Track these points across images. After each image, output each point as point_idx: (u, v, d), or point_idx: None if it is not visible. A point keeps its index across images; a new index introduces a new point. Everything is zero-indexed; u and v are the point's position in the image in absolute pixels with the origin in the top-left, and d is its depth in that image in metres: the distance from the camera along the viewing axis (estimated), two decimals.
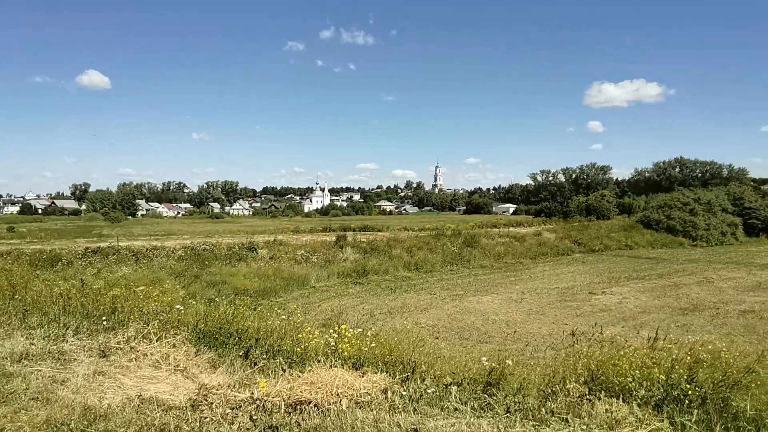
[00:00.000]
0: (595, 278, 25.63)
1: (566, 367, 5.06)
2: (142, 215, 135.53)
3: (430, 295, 21.69)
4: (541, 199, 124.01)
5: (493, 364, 5.01)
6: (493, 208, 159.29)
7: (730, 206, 49.59)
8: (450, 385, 5.03)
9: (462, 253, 31.52)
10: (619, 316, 17.60)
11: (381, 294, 21.98)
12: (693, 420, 3.73)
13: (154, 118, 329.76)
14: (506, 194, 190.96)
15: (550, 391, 4.40)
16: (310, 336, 6.20)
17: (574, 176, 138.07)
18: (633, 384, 4.30)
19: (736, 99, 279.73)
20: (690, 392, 4.11)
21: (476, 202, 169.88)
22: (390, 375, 5.26)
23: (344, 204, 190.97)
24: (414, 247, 30.87)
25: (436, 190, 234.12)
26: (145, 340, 5.85)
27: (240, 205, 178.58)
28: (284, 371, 5.10)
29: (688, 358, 4.78)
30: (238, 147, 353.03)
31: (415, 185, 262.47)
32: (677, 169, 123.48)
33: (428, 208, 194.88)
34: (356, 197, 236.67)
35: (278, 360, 5.55)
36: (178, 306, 7.26)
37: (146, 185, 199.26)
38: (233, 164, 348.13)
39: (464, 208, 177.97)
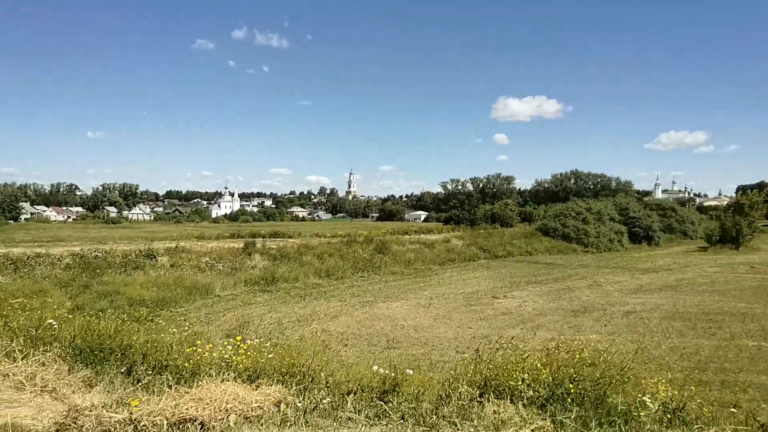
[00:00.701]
0: (498, 283, 26.82)
1: (463, 371, 5.15)
2: (26, 219, 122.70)
3: (341, 302, 21.55)
4: (451, 206, 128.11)
5: (391, 372, 4.97)
6: (406, 215, 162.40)
7: (617, 216, 54.17)
8: (347, 394, 4.93)
9: (373, 259, 31.72)
10: (518, 319, 18.50)
11: (290, 302, 21.50)
12: (572, 417, 3.92)
13: (42, 114, 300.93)
14: (418, 202, 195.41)
15: (444, 395, 4.44)
16: (203, 349, 5.82)
17: (481, 185, 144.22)
18: (522, 386, 4.46)
19: (625, 118, 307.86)
20: (572, 391, 4.34)
21: (389, 209, 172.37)
22: (287, 386, 5.05)
23: (255, 210, 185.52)
24: (325, 253, 30.61)
25: (350, 197, 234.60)
26: (7, 359, 5.18)
27: (140, 209, 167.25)
28: (170, 388, 4.72)
29: (577, 356, 5.05)
30: (139, 148, 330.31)
31: (328, 191, 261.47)
32: (573, 181, 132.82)
33: (341, 214, 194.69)
34: (268, 203, 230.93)
35: (165, 376, 5.14)
36: (51, 320, 6.52)
37: (32, 186, 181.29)
38: (134, 166, 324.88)
39: (377, 214, 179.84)
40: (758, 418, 4.17)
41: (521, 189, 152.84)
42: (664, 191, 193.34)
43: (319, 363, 5.57)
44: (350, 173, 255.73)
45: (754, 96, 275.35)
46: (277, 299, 22.11)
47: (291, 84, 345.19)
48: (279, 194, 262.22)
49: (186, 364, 5.48)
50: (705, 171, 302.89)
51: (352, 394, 4.91)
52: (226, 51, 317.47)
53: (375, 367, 5.44)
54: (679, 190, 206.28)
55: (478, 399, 4.22)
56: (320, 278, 26.94)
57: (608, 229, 50.68)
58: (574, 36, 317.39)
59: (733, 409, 4.69)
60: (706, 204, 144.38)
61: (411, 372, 5.09)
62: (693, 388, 5.19)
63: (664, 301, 21.55)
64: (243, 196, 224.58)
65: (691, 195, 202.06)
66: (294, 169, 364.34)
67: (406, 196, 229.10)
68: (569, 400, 4.24)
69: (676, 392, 4.56)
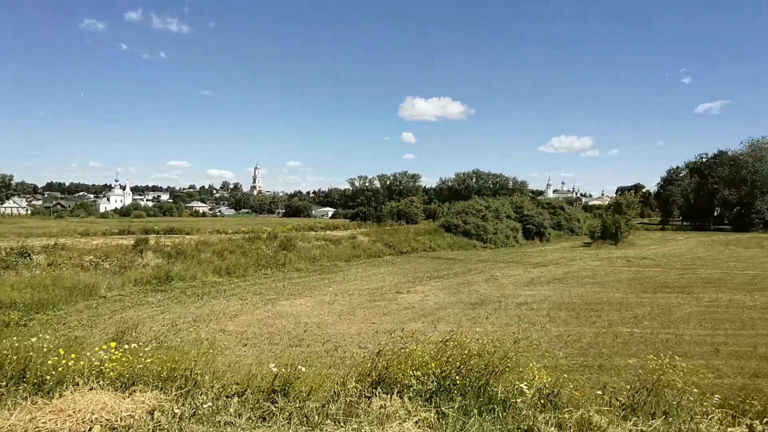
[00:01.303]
0: (402, 278, 27.31)
1: (357, 368, 5.09)
2: None
3: (242, 300, 20.79)
4: (358, 203, 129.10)
5: (282, 370, 4.78)
6: (313, 212, 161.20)
7: (513, 213, 57.37)
8: (234, 396, 4.67)
9: (277, 256, 30.98)
10: (420, 313, 18.93)
11: (186, 301, 20.36)
12: (456, 407, 4.00)
13: None
14: (326, 198, 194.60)
15: (334, 393, 4.35)
16: (72, 354, 5.25)
17: (388, 183, 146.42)
18: (412, 380, 4.50)
19: (522, 121, 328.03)
20: (458, 382, 4.45)
21: (296, 206, 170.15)
22: (165, 392, 4.70)
23: (150, 204, 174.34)
24: (226, 250, 29.36)
25: (255, 192, 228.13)
26: None
27: (15, 202, 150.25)
28: (26, 400, 4.19)
29: (465, 348, 5.18)
30: (14, 135, 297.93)
31: (232, 186, 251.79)
32: (474, 180, 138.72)
33: (246, 210, 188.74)
34: (165, 197, 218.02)
35: (22, 387, 4.56)
36: None
37: None
38: (7, 155, 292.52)
39: (284, 211, 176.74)
40: (619, 398, 4.55)
41: (427, 187, 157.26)
42: (554, 191, 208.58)
43: (204, 365, 5.24)
44: (255, 168, 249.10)
45: (632, 106, 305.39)
46: (171, 299, 20.85)
47: (191, 72, 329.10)
48: (177, 188, 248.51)
49: (50, 374, 4.91)
50: (590, 173, 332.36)
51: (238, 396, 4.66)
52: (118, 33, 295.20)
53: (271, 366, 5.22)
54: (568, 191, 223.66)
55: (367, 395, 4.17)
56: (220, 276, 25.80)
57: (505, 226, 53.49)
58: (477, 40, 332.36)
59: (599, 392, 5.05)
60: (590, 203, 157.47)
61: (304, 369, 4.93)
62: (566, 375, 5.53)
63: (552, 292, 23.10)
64: (136, 190, 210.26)
65: (578, 195, 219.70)
66: (194, 162, 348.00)
67: (314, 193, 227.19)
68: (455, 391, 4.35)
69: (550, 378, 4.83)
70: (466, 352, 5.09)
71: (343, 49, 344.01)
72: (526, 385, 4.43)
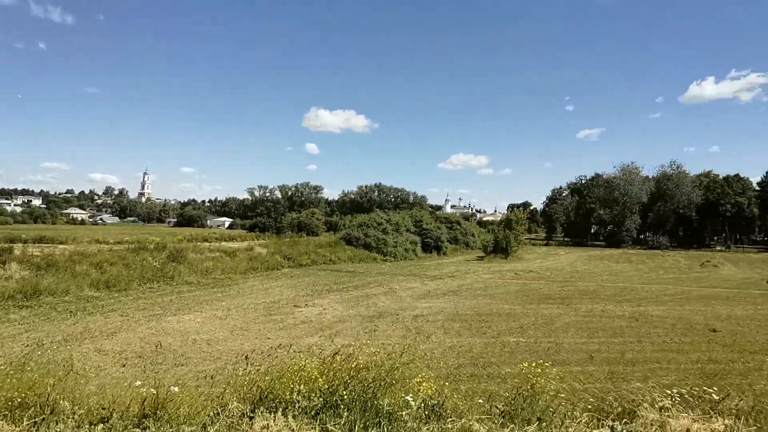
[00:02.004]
0: (301, 292, 26.81)
1: (237, 385, 4.80)
2: None
3: (122, 316, 19.15)
4: (258, 214, 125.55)
5: (153, 391, 4.37)
6: (208, 222, 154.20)
7: (412, 227, 58.97)
8: (99, 422, 4.20)
9: (165, 268, 29.04)
10: (317, 327, 18.62)
11: (56, 318, 18.35)
12: (342, 423, 3.90)
13: None
14: (223, 208, 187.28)
15: (214, 414, 4.05)
16: None
17: (290, 193, 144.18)
18: (298, 397, 4.32)
19: (423, 138, 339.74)
20: (345, 397, 4.35)
21: (189, 215, 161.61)
22: (16, 422, 4.11)
23: (18, 210, 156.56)
24: (106, 262, 26.97)
25: (144, 199, 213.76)
26: None
27: None
28: None
29: (354, 366, 5.08)
30: None
31: (117, 192, 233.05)
32: (376, 194, 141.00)
33: (132, 218, 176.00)
34: (37, 202, 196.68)
35: None
36: None
37: None
38: None
39: (176, 220, 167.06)
40: (498, 406, 4.73)
41: (329, 199, 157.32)
42: (452, 206, 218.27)
43: (63, 389, 4.66)
44: (144, 173, 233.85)
45: (523, 129, 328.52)
46: (38, 316, 18.68)
47: (75, 67, 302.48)
48: (53, 192, 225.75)
49: None
50: (485, 190, 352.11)
51: (103, 423, 4.20)
52: None
53: (137, 384, 4.75)
54: (465, 206, 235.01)
55: (249, 414, 3.93)
56: (98, 290, 23.57)
57: (405, 239, 54.76)
58: (382, 54, 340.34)
59: (480, 401, 5.22)
60: (484, 219, 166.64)
61: (176, 389, 4.54)
62: (456, 384, 5.64)
63: (447, 305, 23.87)
64: (2, 193, 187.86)
65: (474, 211, 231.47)
66: (73, 164, 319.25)
67: (210, 202, 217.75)
68: (342, 406, 4.24)
69: (436, 389, 4.90)
70: (354, 365, 5.01)
71: (246, 53, 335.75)
72: (411, 397, 4.44)
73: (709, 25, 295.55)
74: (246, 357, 5.64)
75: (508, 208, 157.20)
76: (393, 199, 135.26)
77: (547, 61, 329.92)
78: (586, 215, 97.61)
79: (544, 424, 4.34)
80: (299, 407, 4.23)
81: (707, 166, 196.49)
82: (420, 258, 53.82)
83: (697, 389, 5.67)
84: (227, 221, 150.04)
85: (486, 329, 18.69)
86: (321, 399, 4.36)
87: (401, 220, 58.17)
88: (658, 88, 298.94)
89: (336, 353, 5.36)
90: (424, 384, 4.97)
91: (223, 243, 41.69)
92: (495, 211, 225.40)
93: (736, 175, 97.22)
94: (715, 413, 5.03)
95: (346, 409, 4.16)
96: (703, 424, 4.61)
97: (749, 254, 79.94)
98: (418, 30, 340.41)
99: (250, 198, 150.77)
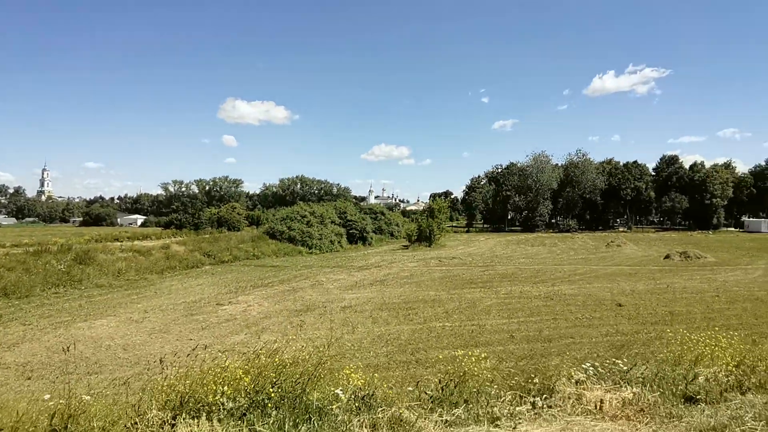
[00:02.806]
0: (223, 289, 25.94)
1: (161, 392, 4.54)
2: None
3: (24, 325, 17.60)
4: (173, 210, 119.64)
5: (61, 402, 4.03)
6: (119, 220, 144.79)
7: (337, 219, 58.73)
8: None
9: (72, 271, 26.96)
10: (243, 324, 18.12)
11: None
12: (270, 423, 3.81)
13: None
14: (135, 204, 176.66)
15: (132, 423, 3.79)
16: None
17: (207, 188, 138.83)
18: (222, 399, 4.15)
19: (345, 129, 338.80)
20: (273, 395, 4.24)
21: (96, 213, 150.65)
22: None
23: None
24: (2, 267, 24.62)
25: (44, 198, 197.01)
26: None
27: None
28: None
29: (277, 357, 4.96)
30: None
31: (12, 191, 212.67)
32: (299, 186, 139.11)
33: (32, 219, 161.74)
34: None
35: None
36: None
37: None
38: None
39: (81, 219, 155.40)
40: (428, 392, 4.84)
41: (250, 193, 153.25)
42: (376, 197, 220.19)
43: None
44: (44, 169, 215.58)
45: (441, 120, 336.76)
46: None
47: None
48: None
49: None
50: (408, 180, 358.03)
51: None
52: None
53: (45, 397, 4.36)
54: (388, 196, 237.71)
55: (171, 422, 3.72)
56: None
57: (330, 231, 54.47)
58: (300, 44, 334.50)
59: (410, 388, 5.31)
60: (408, 208, 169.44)
61: (88, 398, 4.21)
62: (386, 373, 5.68)
63: (374, 294, 24.07)
64: None
65: (397, 201, 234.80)
66: None
67: (119, 198, 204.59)
68: (270, 405, 4.12)
69: (366, 380, 4.90)
70: (280, 361, 4.89)
71: (155, 39, 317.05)
72: (341, 390, 4.42)
73: (609, 21, 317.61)
74: (161, 360, 5.35)
75: (430, 197, 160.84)
76: (317, 192, 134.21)
77: (463, 55, 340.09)
78: (503, 202, 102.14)
79: (471, 405, 4.49)
80: (224, 410, 4.06)
81: (609, 154, 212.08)
82: (346, 249, 53.80)
83: (609, 361, 6.10)
84: (140, 219, 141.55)
85: (413, 316, 19.05)
86: (247, 399, 4.21)
87: (326, 212, 57.75)
88: (565, 81, 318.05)
89: (260, 350, 5.20)
90: (353, 375, 4.95)
91: (137, 242, 39.33)
92: (418, 200, 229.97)
93: (635, 162, 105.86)
94: (624, 382, 5.44)
95: (274, 408, 4.06)
96: (615, 394, 4.97)
97: (648, 234, 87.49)
98: (339, 22, 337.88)
99: (165, 193, 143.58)
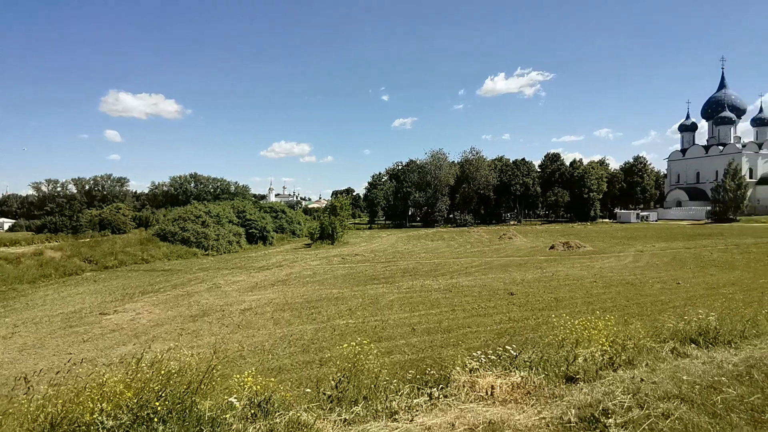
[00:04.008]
0: (108, 297, 23.97)
1: (21, 415, 4.02)
2: None
3: None
4: (47, 212, 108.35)
5: None
6: None
7: (235, 218, 56.57)
8: None
9: None
10: (131, 334, 16.87)
11: None
12: None
13: None
14: (0, 207, 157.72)
15: None
16: None
17: (87, 187, 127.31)
18: (101, 417, 3.76)
19: (243, 125, 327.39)
20: (159, 408, 3.93)
21: None
22: None
23: None
24: None
25: None
26: None
27: None
28: None
29: (164, 372, 4.60)
30: None
31: None
32: (193, 184, 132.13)
33: None
34: None
35: None
36: None
37: None
38: None
39: None
40: (326, 392, 4.78)
41: (137, 192, 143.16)
42: (277, 195, 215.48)
43: None
44: None
45: (342, 117, 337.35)
46: None
47: None
48: None
49: None
50: (309, 177, 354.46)
51: None
52: None
53: None
54: (290, 194, 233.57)
55: None
56: None
57: (227, 231, 52.37)
58: (190, 34, 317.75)
59: (308, 390, 5.22)
60: (310, 206, 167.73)
61: None
62: (273, 377, 5.52)
63: (276, 295, 23.50)
64: None
65: (299, 198, 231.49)
66: None
67: None
68: (156, 419, 3.81)
69: (263, 384, 4.72)
70: (165, 371, 4.55)
71: (19, 23, 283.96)
72: (235, 397, 4.20)
73: (501, 24, 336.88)
74: (25, 378, 4.79)
75: (332, 194, 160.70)
76: (212, 190, 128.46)
77: (364, 53, 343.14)
78: (404, 198, 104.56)
79: (370, 402, 4.50)
80: (104, 429, 3.69)
81: (500, 152, 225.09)
82: (245, 250, 52.08)
83: (500, 348, 6.43)
84: (7, 223, 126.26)
85: (316, 315, 18.87)
86: (131, 415, 3.86)
87: (223, 212, 55.40)
88: (461, 82, 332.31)
89: (140, 360, 4.80)
90: (249, 380, 4.74)
91: (3, 248, 35.15)
92: (320, 198, 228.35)
93: (523, 159, 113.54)
94: (514, 367, 5.77)
95: (161, 422, 3.75)
96: (505, 379, 5.24)
97: (535, 226, 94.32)
98: (235, 12, 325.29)
99: (37, 194, 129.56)
